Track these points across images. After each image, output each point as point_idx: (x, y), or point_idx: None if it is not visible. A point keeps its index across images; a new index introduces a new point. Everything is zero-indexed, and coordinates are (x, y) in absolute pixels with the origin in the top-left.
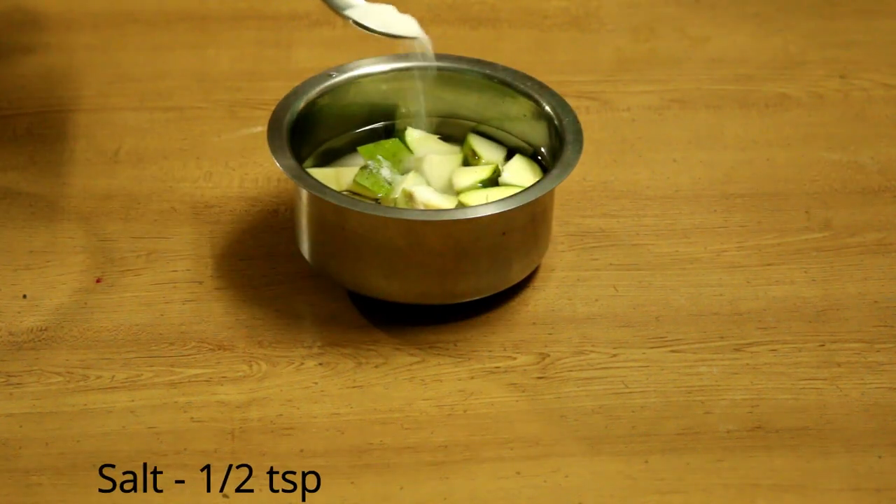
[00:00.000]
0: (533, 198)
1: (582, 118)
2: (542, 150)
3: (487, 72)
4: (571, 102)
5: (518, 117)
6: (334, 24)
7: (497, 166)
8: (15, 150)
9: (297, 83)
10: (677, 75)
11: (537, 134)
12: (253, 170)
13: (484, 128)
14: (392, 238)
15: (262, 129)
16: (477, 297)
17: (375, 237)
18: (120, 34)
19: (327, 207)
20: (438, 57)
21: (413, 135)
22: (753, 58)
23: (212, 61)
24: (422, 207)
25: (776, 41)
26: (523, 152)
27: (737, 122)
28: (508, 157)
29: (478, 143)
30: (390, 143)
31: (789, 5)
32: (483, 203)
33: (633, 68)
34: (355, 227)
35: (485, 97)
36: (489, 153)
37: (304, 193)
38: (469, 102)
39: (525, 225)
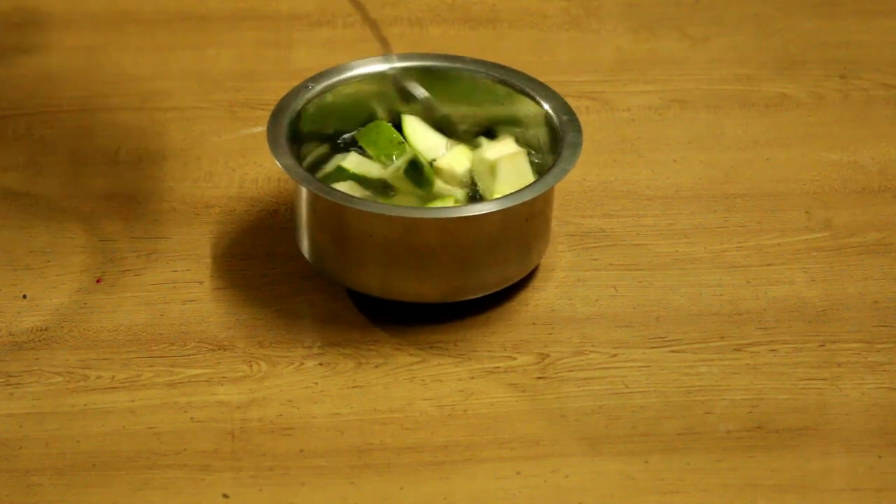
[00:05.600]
0: (533, 196)
1: (582, 118)
2: (543, 149)
3: (488, 72)
4: (571, 102)
5: (518, 116)
6: (334, 25)
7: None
8: (15, 150)
9: (297, 83)
10: (677, 75)
11: (537, 133)
12: (253, 170)
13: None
14: (392, 236)
15: (262, 129)
16: (477, 296)
17: (375, 235)
18: (120, 34)
19: (327, 206)
20: (440, 57)
21: (409, 122)
22: (753, 58)
23: (212, 61)
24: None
25: (776, 41)
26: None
27: (737, 122)
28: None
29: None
30: (382, 126)
31: (789, 5)
32: (483, 202)
33: (633, 68)
34: (355, 226)
35: (485, 97)
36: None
37: (303, 192)
38: (470, 102)
39: (525, 223)
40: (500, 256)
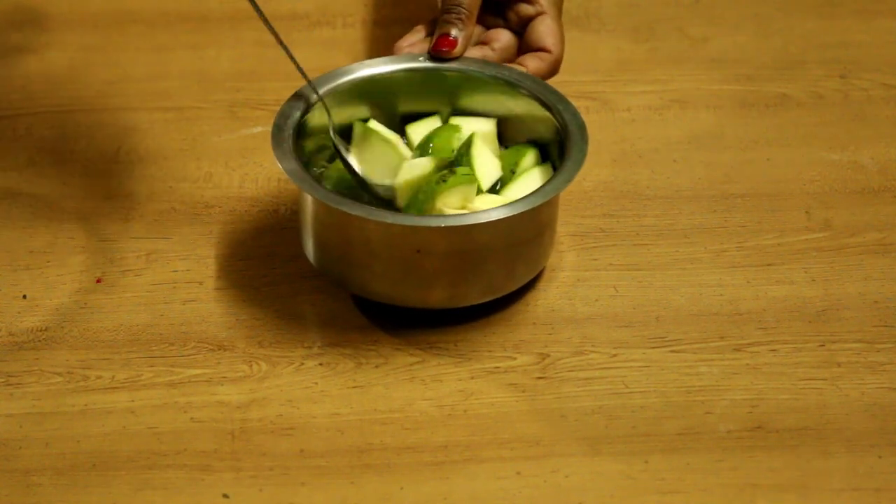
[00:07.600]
0: (540, 202)
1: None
2: (546, 150)
3: (491, 72)
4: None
5: (522, 116)
6: (334, 25)
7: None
8: (15, 150)
9: (296, 83)
10: (677, 75)
11: (541, 133)
12: (253, 170)
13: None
14: (399, 244)
15: (261, 129)
16: (484, 301)
17: (382, 243)
18: (120, 34)
19: (333, 213)
20: (442, 59)
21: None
22: (753, 58)
23: (212, 61)
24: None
25: (776, 41)
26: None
27: (737, 122)
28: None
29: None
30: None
31: (789, 5)
32: (490, 208)
33: (633, 68)
34: (359, 233)
35: (488, 97)
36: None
37: (308, 197)
38: (473, 102)
39: (532, 229)
40: (508, 262)
